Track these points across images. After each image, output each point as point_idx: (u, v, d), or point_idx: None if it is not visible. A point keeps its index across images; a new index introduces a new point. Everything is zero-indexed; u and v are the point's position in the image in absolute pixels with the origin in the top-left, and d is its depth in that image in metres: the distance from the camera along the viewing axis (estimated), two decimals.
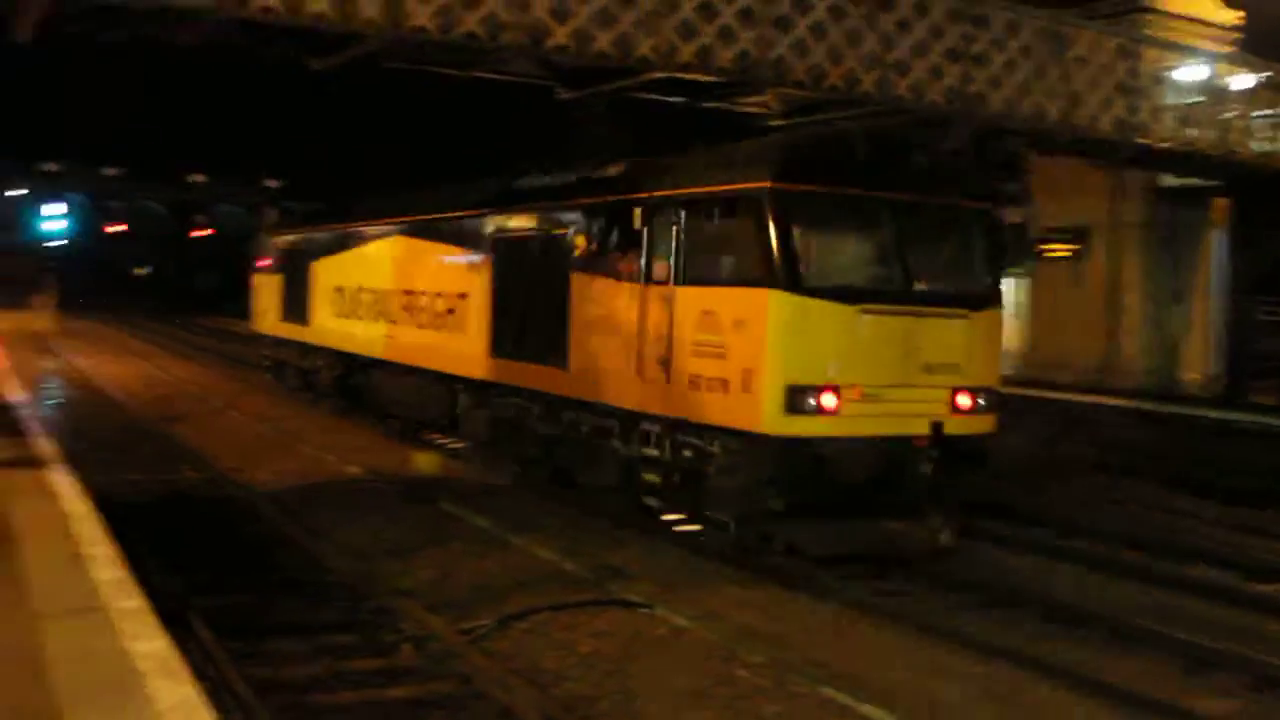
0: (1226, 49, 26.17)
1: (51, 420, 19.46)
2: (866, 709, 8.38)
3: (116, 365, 32.84)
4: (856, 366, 11.61)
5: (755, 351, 11.54)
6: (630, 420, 13.45)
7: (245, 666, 8.76)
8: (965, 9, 19.44)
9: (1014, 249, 30.41)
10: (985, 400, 12.44)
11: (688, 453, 12.60)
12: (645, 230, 13.10)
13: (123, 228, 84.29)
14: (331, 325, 23.63)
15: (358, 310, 22.05)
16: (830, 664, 9.40)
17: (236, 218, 72.66)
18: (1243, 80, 23.21)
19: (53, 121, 53.17)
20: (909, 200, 12.30)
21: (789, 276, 11.51)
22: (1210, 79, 22.74)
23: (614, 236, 13.62)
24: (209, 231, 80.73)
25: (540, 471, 15.99)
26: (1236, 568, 13.21)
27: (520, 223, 16.26)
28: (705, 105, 21.10)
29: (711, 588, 11.39)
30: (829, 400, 11.47)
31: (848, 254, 12.61)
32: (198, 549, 12.27)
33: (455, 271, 17.94)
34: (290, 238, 27.78)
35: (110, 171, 68.51)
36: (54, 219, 74.67)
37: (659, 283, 12.84)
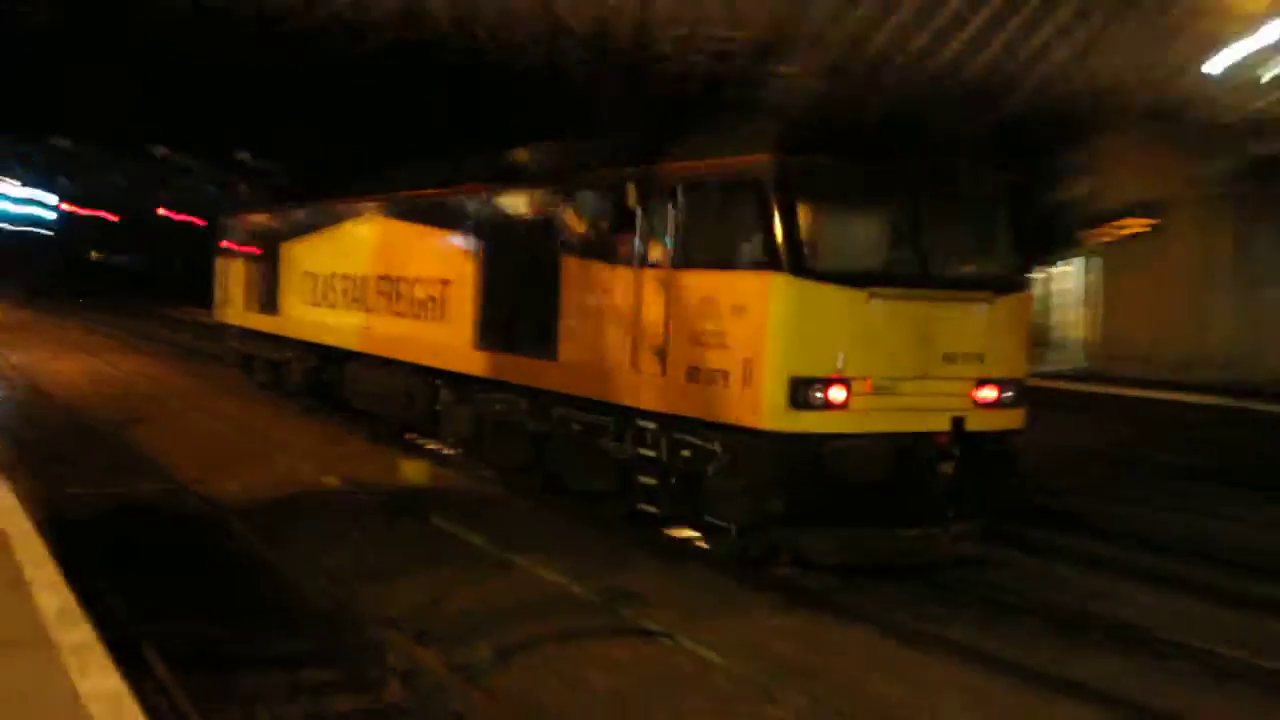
0: None
1: None
2: None
3: (63, 361, 32.85)
4: (867, 356, 11.75)
5: (756, 340, 11.70)
6: (625, 417, 13.63)
7: (209, 707, 8.65)
8: None
9: (1079, 226, 30.29)
10: (1012, 393, 12.57)
11: (686, 452, 12.75)
12: (640, 209, 13.23)
13: (76, 208, 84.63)
14: (303, 315, 23.79)
15: (332, 298, 22.21)
16: (878, 701, 9.30)
17: (205, 193, 72.86)
18: None
19: None
20: (926, 172, 12.44)
21: (792, 258, 11.65)
22: None
23: (607, 217, 13.84)
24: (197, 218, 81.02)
25: (530, 476, 16.16)
26: None
27: (507, 202, 16.41)
28: (729, 74, 21.09)
29: (739, 613, 11.32)
30: (837, 393, 11.64)
31: (858, 233, 12.74)
32: (155, 572, 12.17)
33: (437, 255, 18.10)
34: (258, 217, 27.83)
35: (59, 142, 68.68)
36: None
37: (655, 266, 13.03)
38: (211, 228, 31.46)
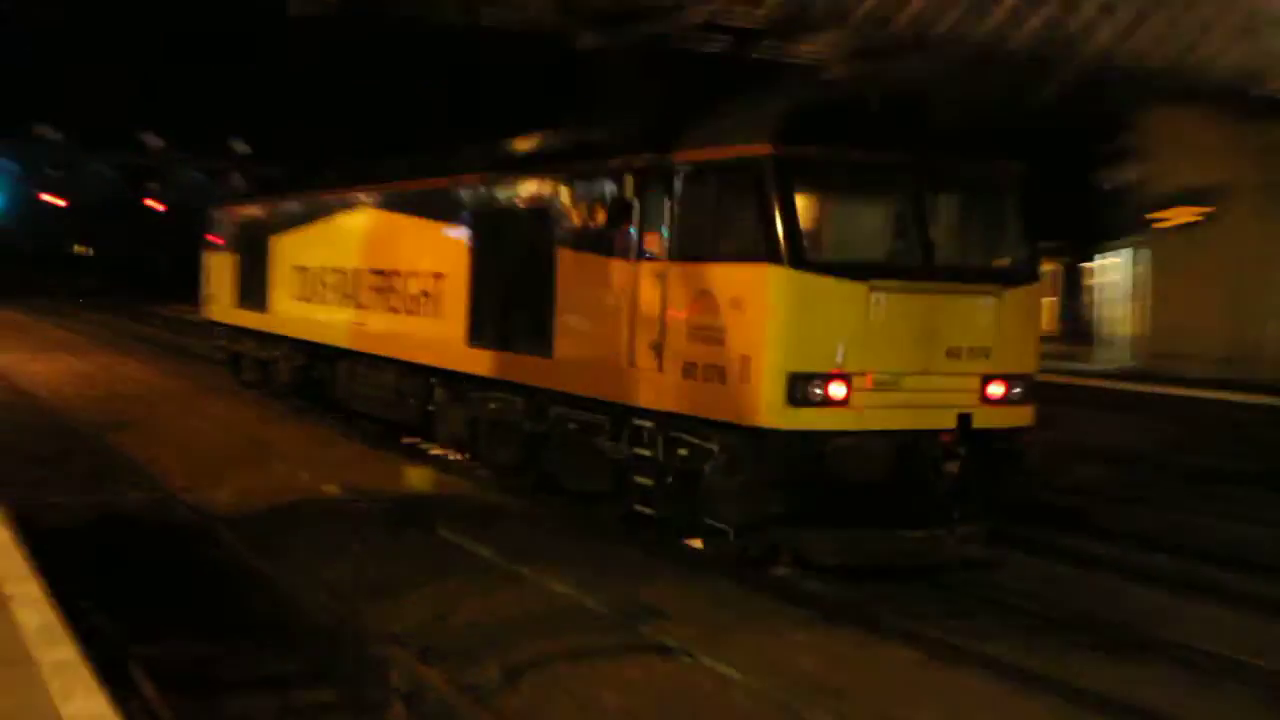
0: None
1: None
2: None
3: (46, 363, 32.99)
4: (869, 351, 11.99)
5: (754, 335, 11.96)
6: (621, 416, 13.85)
7: None
8: None
9: (1125, 216, 30.17)
10: (1021, 389, 12.80)
11: (683, 451, 12.99)
12: (637, 200, 13.53)
13: (62, 201, 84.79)
14: (292, 311, 24.00)
15: (323, 293, 22.42)
16: None
17: (198, 187, 73.05)
18: None
19: None
20: (930, 162, 12.66)
21: (791, 250, 11.87)
22: None
23: (603, 207, 14.10)
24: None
25: (524, 477, 16.40)
26: None
27: (502, 192, 16.64)
28: (753, 55, 21.06)
29: (761, 627, 11.29)
30: (837, 390, 11.87)
31: (859, 224, 13.08)
32: (143, 586, 12.19)
33: (430, 248, 18.32)
34: (247, 210, 27.99)
35: (46, 132, 68.92)
36: None
37: (652, 259, 13.30)
38: (200, 220, 31.61)
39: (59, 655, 7.28)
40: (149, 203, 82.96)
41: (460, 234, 17.37)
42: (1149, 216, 29.75)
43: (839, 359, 11.92)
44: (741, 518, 12.55)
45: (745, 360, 12.03)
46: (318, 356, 23.13)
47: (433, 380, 18.41)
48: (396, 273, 19.35)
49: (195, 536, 14.41)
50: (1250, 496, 18.41)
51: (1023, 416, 12.91)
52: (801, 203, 12.21)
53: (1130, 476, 19.93)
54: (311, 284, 22.98)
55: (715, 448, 12.54)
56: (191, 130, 64.66)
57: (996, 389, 12.63)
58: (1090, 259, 42.84)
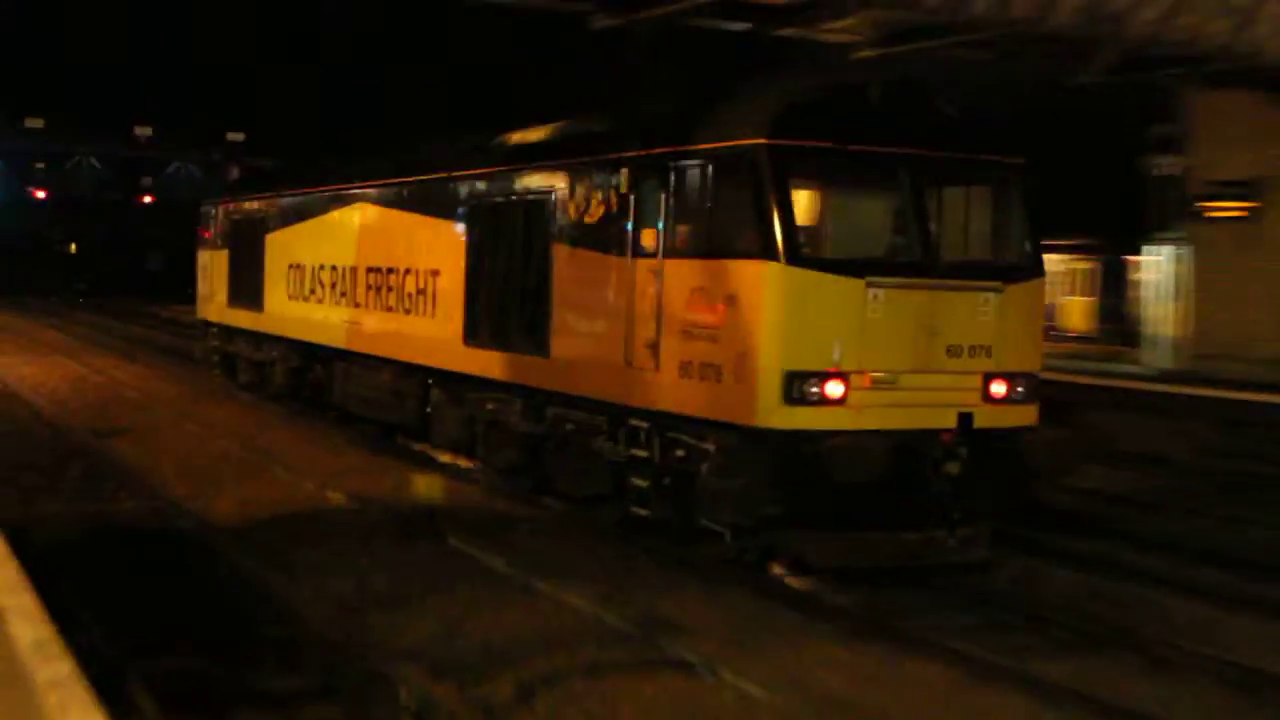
0: None
1: None
2: None
3: (38, 366, 33.13)
4: (867, 349, 12.33)
5: (750, 333, 12.27)
6: (618, 416, 14.17)
7: None
8: None
9: (1169, 208, 30.07)
10: (1024, 388, 13.12)
11: (679, 452, 13.29)
12: (633, 194, 13.82)
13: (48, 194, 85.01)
14: (288, 311, 24.21)
15: (319, 292, 22.67)
16: None
17: (193, 180, 73.23)
18: None
19: None
20: (930, 156, 12.99)
21: (787, 247, 12.17)
22: None
23: (599, 202, 14.41)
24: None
25: (521, 479, 16.78)
26: None
27: (497, 186, 16.96)
28: (778, 34, 21.07)
29: (787, 642, 11.29)
30: (834, 388, 12.20)
31: (857, 220, 13.45)
32: (142, 600, 12.24)
33: (426, 245, 18.63)
34: (241, 206, 28.09)
35: (33, 123, 69.12)
36: None
37: (647, 255, 13.64)
38: (195, 217, 31.77)
39: (54, 672, 7.31)
40: (142, 199, 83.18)
41: (456, 230, 17.64)
42: (1194, 209, 29.63)
43: (836, 357, 12.22)
44: (737, 519, 12.84)
45: (741, 358, 12.32)
46: (314, 358, 23.36)
47: (430, 381, 18.71)
48: (393, 270, 19.59)
49: (195, 547, 14.47)
50: None
51: (1026, 416, 13.18)
52: (798, 197, 12.57)
53: (1171, 483, 19.90)
54: (307, 283, 23.19)
55: (711, 448, 12.80)
56: (184, 119, 64.83)
57: (999, 388, 12.93)
58: (1132, 254, 42.70)
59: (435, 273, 18.21)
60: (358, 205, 21.55)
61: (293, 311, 24.09)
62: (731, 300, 12.49)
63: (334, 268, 22.09)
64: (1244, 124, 27.41)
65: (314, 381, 23.71)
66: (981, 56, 24.21)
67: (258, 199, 27.39)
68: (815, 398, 12.17)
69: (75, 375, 31.34)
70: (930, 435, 12.60)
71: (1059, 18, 18.91)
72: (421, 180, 19.29)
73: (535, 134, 17.11)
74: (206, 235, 30.60)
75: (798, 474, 12.11)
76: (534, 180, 16.04)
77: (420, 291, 18.65)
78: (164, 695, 9.43)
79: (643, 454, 13.86)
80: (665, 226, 13.47)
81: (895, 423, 12.45)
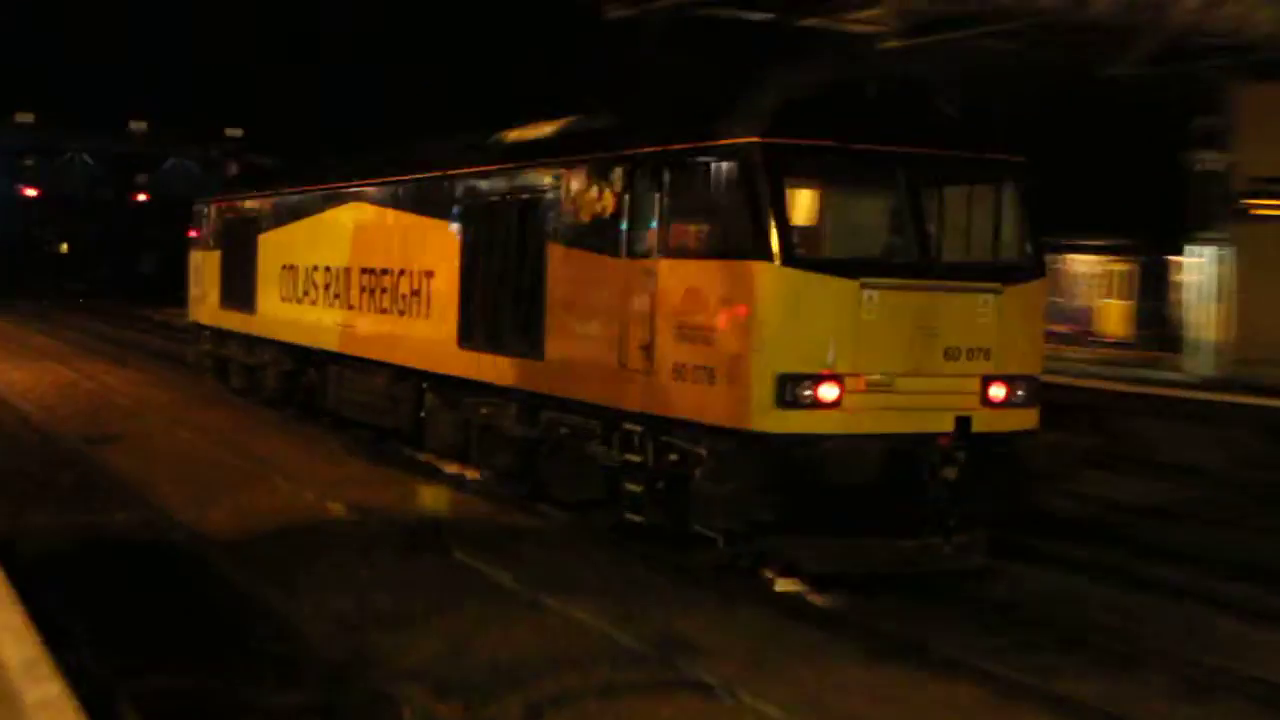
0: None
1: None
2: None
3: (26, 371, 33.21)
4: (862, 351, 12.60)
5: (742, 335, 12.56)
6: (613, 420, 14.49)
7: None
8: None
9: (1212, 206, 30.00)
10: (1024, 391, 13.39)
11: (673, 456, 13.60)
12: (627, 194, 14.12)
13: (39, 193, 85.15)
14: (281, 313, 24.50)
15: (313, 294, 22.98)
16: None
17: (190, 178, 73.37)
18: None
19: None
20: (927, 155, 13.25)
21: (780, 247, 12.44)
22: None
23: (594, 201, 14.71)
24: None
25: (517, 485, 17.13)
26: None
27: (492, 185, 17.27)
28: (800, 24, 21.09)
29: (806, 662, 11.28)
30: (828, 391, 12.46)
31: (853, 220, 13.79)
32: (133, 616, 12.26)
33: (420, 245, 18.94)
34: (233, 205, 28.25)
35: (24, 118, 69.28)
36: None
37: (642, 255, 13.93)
38: (187, 216, 31.93)
39: (43, 692, 7.34)
40: (138, 197, 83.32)
41: (450, 230, 17.92)
42: (1239, 206, 29.53)
43: (830, 359, 12.48)
44: (730, 525, 13.05)
45: (733, 361, 12.60)
46: (307, 362, 23.62)
47: (424, 385, 19.02)
48: (387, 271, 19.88)
49: (190, 561, 14.51)
50: None
51: (1027, 420, 13.42)
52: (792, 196, 12.87)
53: (1206, 494, 19.90)
54: (300, 284, 23.48)
55: (704, 452, 13.02)
56: (181, 113, 64.99)
57: (998, 391, 13.16)
58: (1172, 255, 42.56)
59: (429, 274, 18.49)
60: (351, 204, 21.82)
61: (286, 314, 24.34)
62: (725, 301, 12.76)
63: (328, 268, 22.35)
64: None
65: (307, 386, 23.97)
66: (1009, 47, 24.19)
67: (250, 198, 27.58)
68: (809, 401, 12.41)
69: (65, 380, 31.42)
70: (927, 439, 12.84)
71: (1097, 6, 18.90)
72: (415, 179, 19.58)
73: (530, 132, 17.37)
74: (198, 235, 30.76)
75: (790, 478, 12.37)
76: (528, 179, 16.32)
77: (414, 293, 18.93)
78: (156, 715, 9.46)
79: (636, 458, 14.16)
80: (659, 226, 13.73)
81: (891, 426, 12.69)
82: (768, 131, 12.76)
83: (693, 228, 13.48)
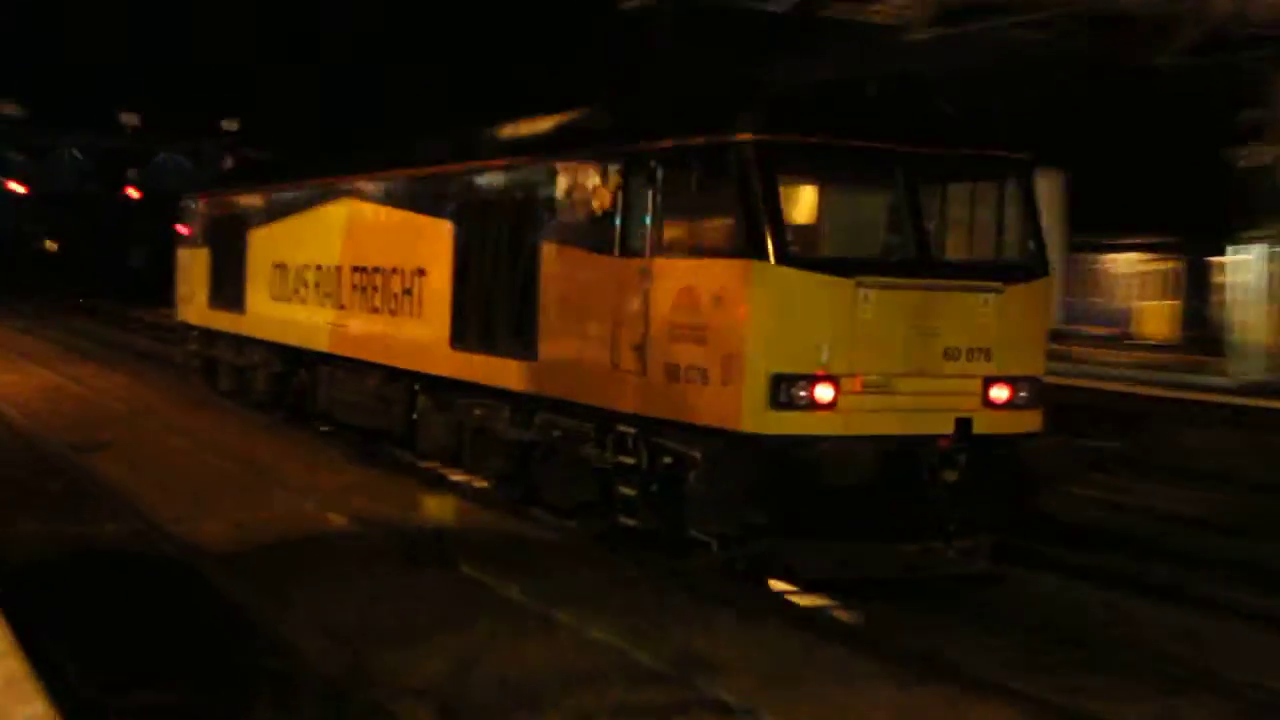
0: None
1: None
2: None
3: (11, 375, 33.33)
4: (858, 351, 12.89)
5: (736, 335, 12.86)
6: (606, 422, 14.82)
7: None
8: None
9: (1260, 202, 29.94)
10: (1027, 393, 13.65)
11: (667, 459, 13.91)
12: (621, 191, 14.41)
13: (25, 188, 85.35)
14: (271, 312, 24.81)
15: (303, 293, 23.28)
16: None
17: (182, 173, 73.53)
18: None
19: None
20: (925, 153, 13.53)
21: (774, 245, 12.74)
22: None
23: (587, 199, 15.03)
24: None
25: (511, 489, 17.48)
26: None
27: (485, 182, 17.64)
28: (822, 14, 21.13)
29: (835, 680, 11.23)
30: (823, 392, 12.74)
31: (848, 217, 14.15)
32: (123, 632, 12.23)
33: (412, 243, 19.23)
34: (222, 200, 28.40)
35: (9, 109, 69.46)
36: None
37: (635, 254, 14.25)
38: (176, 212, 32.05)
39: (28, 712, 7.33)
40: (129, 192, 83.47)
41: (443, 227, 18.16)
42: None
43: (825, 360, 12.75)
44: (724, 528, 13.30)
45: (727, 361, 12.87)
46: (298, 363, 23.93)
47: (416, 387, 19.33)
48: (379, 270, 20.16)
49: (182, 574, 14.50)
50: None
51: (1030, 421, 13.66)
52: (786, 194, 13.14)
53: (1249, 503, 19.86)
54: (291, 283, 23.78)
55: (698, 454, 13.25)
56: (173, 105, 65.16)
57: (1000, 392, 13.40)
58: (1216, 254, 42.45)
59: (421, 272, 18.74)
60: (343, 201, 22.08)
61: (276, 313, 24.63)
62: (718, 301, 13.02)
63: (319, 267, 22.63)
64: None
65: (298, 388, 24.28)
66: (1039, 37, 24.17)
67: (240, 193, 27.74)
68: (804, 402, 12.67)
69: (52, 385, 31.50)
70: (927, 441, 13.13)
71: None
72: (408, 175, 19.90)
73: (524, 128, 17.68)
74: (187, 232, 30.87)
75: (785, 481, 12.62)
76: (522, 176, 16.61)
77: (406, 292, 19.20)
78: None
79: (630, 461, 14.39)
80: (653, 224, 14.01)
81: (888, 428, 12.98)
82: (762, 128, 13.06)
83: (686, 226, 13.83)
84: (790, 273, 12.79)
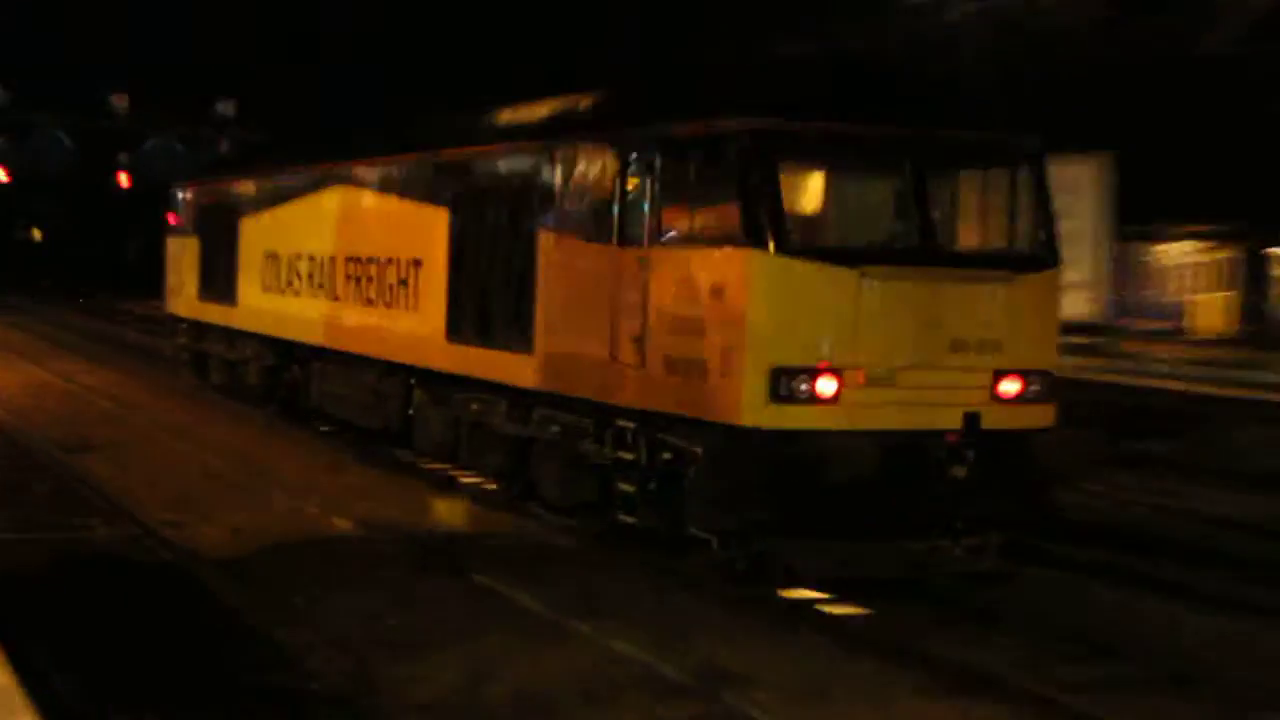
0: None
1: None
2: None
3: None
4: (861, 343, 13.04)
5: (735, 326, 13.03)
6: (605, 417, 15.02)
7: None
8: None
9: None
10: (1039, 386, 13.74)
11: (666, 454, 14.09)
12: (618, 179, 14.52)
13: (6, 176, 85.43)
14: (263, 304, 25.03)
15: (295, 284, 23.53)
16: None
17: (175, 158, 73.57)
18: None
19: None
20: (931, 137, 13.70)
21: (773, 234, 12.94)
22: None
23: (585, 187, 15.26)
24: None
25: (509, 486, 17.73)
26: None
27: (481, 168, 17.85)
28: None
29: (870, 695, 11.23)
30: (825, 385, 12.89)
31: (851, 205, 14.33)
32: (115, 643, 12.24)
33: (407, 231, 19.47)
34: (212, 188, 28.50)
35: None
36: None
37: (633, 244, 14.43)
38: (165, 199, 32.14)
39: None
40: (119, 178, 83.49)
41: (438, 215, 18.34)
42: None
43: (827, 352, 12.92)
44: (724, 525, 13.43)
45: (726, 353, 13.06)
46: (291, 356, 24.18)
47: (412, 381, 19.55)
48: (373, 260, 20.34)
49: (178, 582, 14.53)
50: None
51: (1041, 417, 13.78)
52: (786, 181, 13.32)
53: None
54: (283, 273, 24.00)
55: (698, 450, 13.38)
56: (167, 87, 65.19)
57: (1010, 386, 13.58)
58: (1276, 244, 42.37)
59: (417, 262, 18.91)
60: (336, 188, 22.25)
61: (268, 305, 24.84)
62: (717, 291, 13.20)
63: (311, 257, 22.83)
64: None
65: (290, 382, 24.52)
66: (1087, 16, 24.18)
67: (230, 180, 27.84)
68: (805, 395, 12.84)
69: (38, 381, 31.59)
70: (933, 437, 13.30)
71: None
72: (402, 161, 20.04)
73: (522, 113, 17.84)
74: (176, 221, 30.95)
75: (786, 477, 12.79)
76: (518, 162, 16.81)
77: (401, 283, 19.39)
78: None
79: (629, 457, 14.56)
80: (651, 213, 14.18)
81: (893, 422, 13.14)
82: (761, 113, 13.21)
83: (685, 214, 13.94)
84: (791, 262, 12.98)
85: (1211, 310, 49.75)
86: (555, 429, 16.11)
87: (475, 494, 18.86)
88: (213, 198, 28.74)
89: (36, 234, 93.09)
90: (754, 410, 12.84)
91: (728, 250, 13.25)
